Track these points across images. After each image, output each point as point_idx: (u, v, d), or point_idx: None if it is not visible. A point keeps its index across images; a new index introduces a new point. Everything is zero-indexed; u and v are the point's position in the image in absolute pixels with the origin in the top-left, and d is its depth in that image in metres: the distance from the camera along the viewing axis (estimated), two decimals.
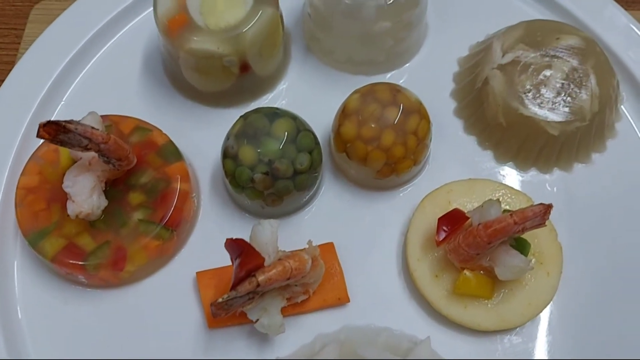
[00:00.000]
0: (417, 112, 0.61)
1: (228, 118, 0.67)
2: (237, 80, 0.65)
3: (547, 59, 0.64)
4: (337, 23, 0.65)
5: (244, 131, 0.59)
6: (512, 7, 0.74)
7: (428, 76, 0.70)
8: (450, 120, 0.68)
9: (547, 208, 0.53)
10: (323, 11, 0.65)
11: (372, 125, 0.60)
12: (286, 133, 0.58)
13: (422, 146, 0.61)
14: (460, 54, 0.71)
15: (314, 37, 0.70)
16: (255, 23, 0.61)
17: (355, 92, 0.63)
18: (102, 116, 0.61)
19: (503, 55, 0.64)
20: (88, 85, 0.70)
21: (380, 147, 0.60)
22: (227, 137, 0.60)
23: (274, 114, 0.60)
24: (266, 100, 0.69)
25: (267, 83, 0.68)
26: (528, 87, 0.63)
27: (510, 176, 0.65)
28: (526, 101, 0.62)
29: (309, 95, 0.69)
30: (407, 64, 0.71)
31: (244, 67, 0.64)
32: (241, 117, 0.61)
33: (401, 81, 0.70)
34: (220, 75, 0.64)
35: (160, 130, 0.63)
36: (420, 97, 0.65)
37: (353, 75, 0.70)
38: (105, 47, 0.71)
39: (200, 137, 0.67)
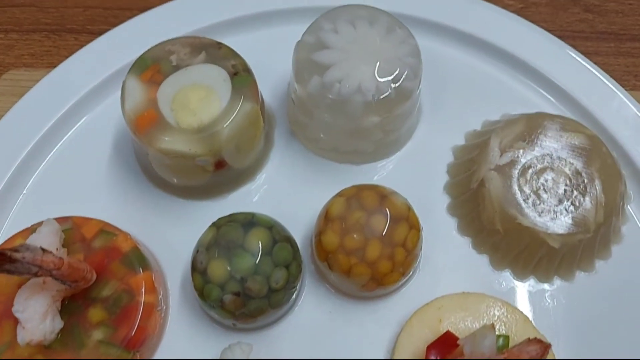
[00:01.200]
0: (406, 219, 0.56)
1: (203, 212, 0.62)
2: (212, 176, 0.60)
3: (548, 159, 0.59)
4: (322, 116, 0.60)
5: (215, 242, 0.54)
6: (512, 92, 0.68)
7: (420, 166, 0.65)
8: (443, 218, 0.63)
9: (545, 349, 0.48)
10: (307, 104, 0.60)
11: (356, 236, 0.55)
12: (261, 245, 0.53)
13: (411, 257, 0.56)
14: (456, 141, 0.66)
15: (298, 122, 0.65)
16: (232, 121, 0.56)
17: (340, 195, 0.58)
18: (62, 219, 0.57)
19: (501, 155, 0.59)
20: (53, 172, 0.64)
21: (365, 261, 0.54)
22: (197, 249, 0.55)
23: (249, 223, 0.55)
24: (245, 192, 0.64)
25: (246, 175, 0.63)
26: (527, 192, 0.57)
27: (507, 285, 0.60)
28: (525, 209, 0.57)
29: (292, 185, 0.64)
30: (398, 152, 0.66)
31: (220, 164, 0.59)
32: (213, 225, 0.56)
33: (388, 171, 0.65)
34: (193, 173, 0.59)
35: (126, 235, 0.58)
36: (412, 188, 0.61)
37: (339, 164, 0.65)
38: (73, 129, 0.66)
39: (173, 234, 0.62)
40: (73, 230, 0.57)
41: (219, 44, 0.60)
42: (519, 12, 0.79)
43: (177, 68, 0.58)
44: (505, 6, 0.79)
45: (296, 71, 0.60)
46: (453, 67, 0.70)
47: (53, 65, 0.73)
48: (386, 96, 0.58)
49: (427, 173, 0.65)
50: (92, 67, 0.67)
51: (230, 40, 0.70)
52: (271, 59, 0.68)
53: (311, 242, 0.60)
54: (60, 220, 0.57)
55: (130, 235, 0.58)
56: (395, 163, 0.66)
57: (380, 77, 0.58)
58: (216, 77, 0.57)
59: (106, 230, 0.58)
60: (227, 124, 0.56)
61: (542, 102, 0.68)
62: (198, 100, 0.56)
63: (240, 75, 0.58)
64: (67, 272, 0.49)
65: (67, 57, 0.75)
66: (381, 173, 0.65)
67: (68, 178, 0.64)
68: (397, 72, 0.58)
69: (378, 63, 0.58)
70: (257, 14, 0.71)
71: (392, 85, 0.58)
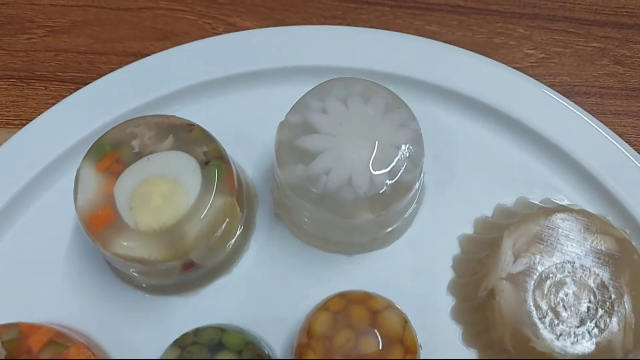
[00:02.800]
0: (400, 342, 0.48)
1: (173, 310, 0.55)
2: (180, 277, 0.52)
3: (569, 268, 0.50)
4: (308, 210, 0.52)
5: None
6: (530, 172, 0.59)
7: (421, 258, 0.57)
8: (446, 323, 0.55)
9: None
10: (290, 195, 0.52)
11: None
12: None
13: None
14: (463, 229, 0.58)
15: (283, 204, 0.57)
16: (201, 220, 0.48)
17: (325, 308, 0.50)
18: (6, 326, 0.50)
19: (515, 260, 0.51)
20: (4, 263, 0.57)
21: None
22: None
23: (217, 345, 0.47)
24: (220, 287, 0.56)
25: (220, 269, 0.55)
26: (544, 308, 0.49)
27: None
28: (541, 330, 0.49)
29: (274, 280, 0.56)
30: (396, 242, 0.58)
31: (187, 266, 0.51)
32: (174, 344, 0.48)
33: (385, 263, 0.57)
34: (157, 275, 0.51)
35: (79, 347, 0.50)
36: (411, 285, 0.53)
37: (329, 253, 0.57)
38: (26, 213, 0.58)
39: (137, 334, 0.54)
40: (18, 341, 0.50)
41: (190, 125, 0.52)
42: (541, 63, 0.71)
43: (139, 156, 0.50)
44: (525, 56, 0.71)
45: (278, 156, 0.52)
46: (461, 138, 0.61)
47: (20, 118, 0.67)
48: (381, 192, 0.50)
49: (429, 267, 0.57)
50: (52, 136, 0.60)
51: (215, 102, 0.63)
52: (257, 125, 0.60)
53: (292, 344, 0.52)
54: (3, 327, 0.50)
55: (84, 346, 0.51)
56: (392, 254, 0.57)
57: (374, 169, 0.50)
58: (184, 167, 0.50)
59: (56, 341, 0.50)
60: (194, 224, 0.48)
61: (564, 186, 0.59)
62: (161, 195, 0.49)
63: (212, 164, 0.50)
64: None
65: (35, 108, 0.69)
66: (377, 266, 0.57)
67: (17, 273, 0.56)
68: (394, 164, 0.50)
69: (373, 151, 0.50)
70: (245, 73, 0.63)
71: (389, 181, 0.50)
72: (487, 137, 0.61)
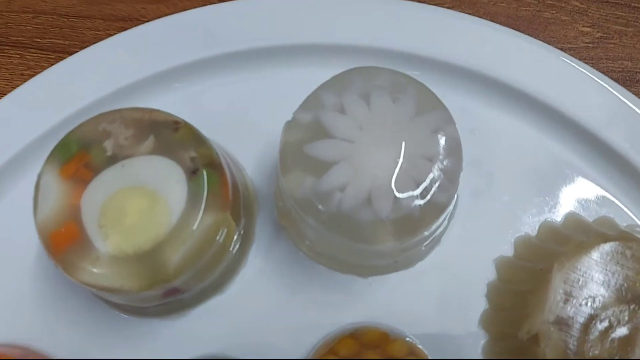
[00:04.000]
0: None
1: (156, 334, 0.47)
2: (162, 301, 0.44)
3: (633, 313, 0.41)
4: (317, 232, 0.43)
5: None
6: (584, 184, 0.50)
7: (449, 282, 0.48)
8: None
9: None
10: (295, 209, 0.43)
11: None
12: None
13: None
14: (501, 250, 0.49)
15: (288, 216, 0.48)
16: (187, 244, 0.39)
17: (332, 352, 0.41)
18: None
19: (566, 301, 0.42)
20: None
21: None
22: None
23: None
24: (211, 309, 0.47)
25: (212, 289, 0.47)
26: None
27: None
28: None
29: (275, 302, 0.48)
30: (420, 262, 0.49)
31: (171, 292, 0.42)
32: None
33: (407, 287, 0.48)
34: (133, 303, 0.43)
35: None
36: (436, 316, 0.45)
37: (340, 274, 0.49)
38: None
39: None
40: None
41: (176, 122, 0.42)
42: (598, 44, 0.60)
43: (112, 160, 0.41)
44: (580, 35, 0.60)
45: (283, 163, 0.42)
46: (500, 138, 0.51)
47: None
48: (408, 215, 0.40)
49: (458, 294, 0.48)
50: (20, 121, 0.50)
51: (217, 82, 0.54)
52: (264, 112, 0.51)
53: None
54: None
55: None
56: (416, 277, 0.48)
57: (400, 187, 0.40)
58: (167, 176, 0.40)
59: None
60: (179, 248, 0.39)
61: (625, 201, 0.49)
62: (138, 212, 0.39)
63: (202, 174, 0.41)
64: None
65: (8, 80, 0.59)
66: (397, 291, 0.48)
67: None
68: (426, 181, 0.40)
69: (399, 163, 0.41)
70: (254, 50, 0.53)
71: (418, 202, 0.40)
72: (532, 136, 0.51)
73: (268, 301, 0.48)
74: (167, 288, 0.41)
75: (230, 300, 0.48)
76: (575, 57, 0.53)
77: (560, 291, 0.42)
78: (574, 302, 0.42)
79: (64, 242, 0.40)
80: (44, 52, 0.62)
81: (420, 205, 0.40)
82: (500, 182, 0.50)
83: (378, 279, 0.48)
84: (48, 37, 0.62)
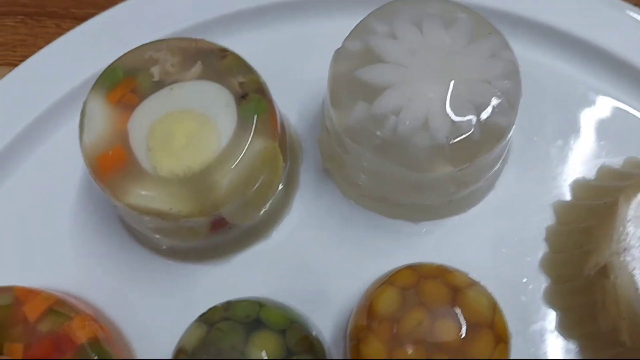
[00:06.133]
0: (490, 327, 0.37)
1: (197, 279, 0.45)
2: (208, 238, 0.42)
3: None
4: (368, 160, 0.41)
5: (203, 348, 0.37)
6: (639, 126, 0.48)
7: (506, 228, 0.46)
8: (537, 308, 0.44)
9: None
10: (346, 139, 0.41)
11: (413, 351, 0.36)
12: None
13: None
14: (559, 195, 0.46)
15: (333, 157, 0.46)
16: (236, 168, 0.38)
17: (390, 282, 0.39)
18: (2, 289, 0.41)
19: (635, 231, 0.40)
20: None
21: None
22: (176, 353, 0.38)
23: (254, 322, 0.37)
24: (255, 254, 0.46)
25: (257, 231, 0.45)
26: None
27: None
28: None
29: (321, 247, 0.46)
30: (475, 207, 0.47)
31: (218, 224, 0.41)
32: (200, 320, 0.38)
33: (461, 233, 0.46)
34: (179, 234, 0.41)
35: (84, 318, 0.41)
36: (493, 261, 0.43)
37: (390, 219, 0.47)
38: (29, 157, 0.48)
39: (154, 307, 0.45)
40: (13, 307, 0.41)
41: (223, 50, 0.41)
42: None
43: (159, 85, 0.40)
44: None
45: (333, 93, 0.41)
46: (556, 83, 0.50)
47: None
48: (467, 138, 0.39)
49: (515, 239, 0.45)
50: (58, 73, 0.50)
51: (252, 35, 0.52)
52: (303, 64, 0.50)
53: (345, 344, 0.42)
54: None
55: (91, 318, 0.41)
56: (469, 222, 0.46)
57: (457, 109, 0.39)
58: (215, 100, 0.39)
59: (57, 310, 0.41)
60: (228, 172, 0.38)
61: None
62: (186, 135, 0.38)
63: (251, 99, 0.40)
64: None
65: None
66: (450, 236, 0.46)
67: (14, 230, 0.47)
68: (484, 103, 0.39)
69: (455, 86, 0.39)
70: (285, 2, 0.52)
71: (477, 125, 0.38)
72: (588, 82, 0.49)
73: (314, 248, 0.46)
74: (215, 217, 0.40)
75: (276, 245, 0.46)
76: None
77: (629, 222, 0.40)
78: None
79: (112, 165, 0.38)
80: (79, 22, 0.61)
81: (479, 127, 0.38)
82: (556, 127, 0.48)
83: (430, 224, 0.46)
84: (84, 8, 0.62)
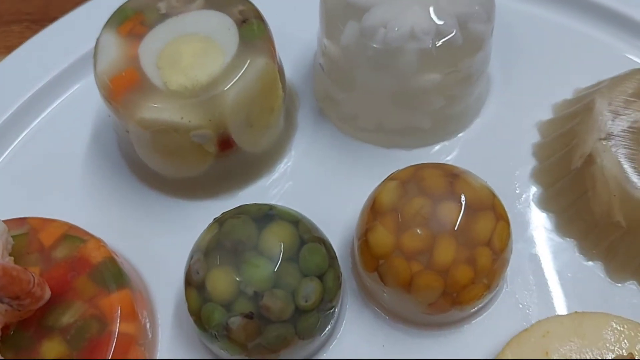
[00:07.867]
0: (491, 208, 0.39)
1: (204, 214, 0.46)
2: (215, 162, 0.44)
3: None
4: (363, 77, 0.45)
5: (217, 244, 0.38)
6: (610, 53, 0.52)
7: (495, 149, 0.49)
8: (534, 215, 0.46)
9: None
10: (342, 63, 0.45)
11: (419, 232, 0.38)
12: (283, 247, 0.37)
13: (500, 263, 0.39)
14: (541, 115, 0.50)
15: (328, 96, 0.49)
16: (239, 80, 0.41)
17: (391, 178, 0.41)
18: (16, 220, 0.42)
19: (614, 119, 0.43)
20: (15, 165, 0.50)
21: (433, 267, 0.38)
22: (192, 254, 0.39)
23: (266, 216, 0.39)
24: (260, 188, 0.48)
25: (260, 163, 0.48)
26: None
27: (631, 302, 0.43)
28: None
29: (322, 178, 0.48)
30: (463, 133, 0.50)
31: (225, 143, 0.43)
32: (215, 221, 0.40)
33: (453, 156, 0.49)
34: (189, 156, 0.43)
35: (98, 242, 0.42)
36: (487, 179, 0.44)
37: (385, 149, 0.49)
38: (44, 114, 0.52)
39: (163, 242, 0.46)
40: (29, 236, 0.42)
41: None
42: None
43: (166, 17, 0.43)
44: None
45: (326, 20, 0.45)
46: (532, 24, 0.54)
47: None
48: (451, 40, 0.42)
49: (505, 158, 0.48)
50: (63, 46, 0.54)
51: None
52: (296, 20, 0.52)
53: (352, 249, 0.44)
54: (12, 222, 0.42)
55: (103, 242, 0.42)
56: (460, 146, 0.49)
57: (440, 18, 0.42)
58: (218, 25, 0.43)
59: (71, 234, 0.42)
60: (231, 84, 0.41)
61: None
62: (193, 54, 0.41)
63: (251, 23, 0.43)
64: (3, 283, 0.34)
65: None
66: (441, 159, 0.48)
67: (31, 172, 0.50)
68: (464, 12, 0.43)
69: (437, 0, 0.43)
70: None
71: (458, 29, 0.42)
72: (559, 21, 0.54)
73: (314, 178, 0.48)
74: (222, 134, 0.42)
75: (278, 178, 0.48)
76: None
77: (605, 111, 0.43)
78: (622, 117, 0.42)
79: (124, 85, 0.41)
80: None
81: (460, 33, 0.42)
82: (534, 60, 0.52)
83: (422, 150, 0.49)
84: None
